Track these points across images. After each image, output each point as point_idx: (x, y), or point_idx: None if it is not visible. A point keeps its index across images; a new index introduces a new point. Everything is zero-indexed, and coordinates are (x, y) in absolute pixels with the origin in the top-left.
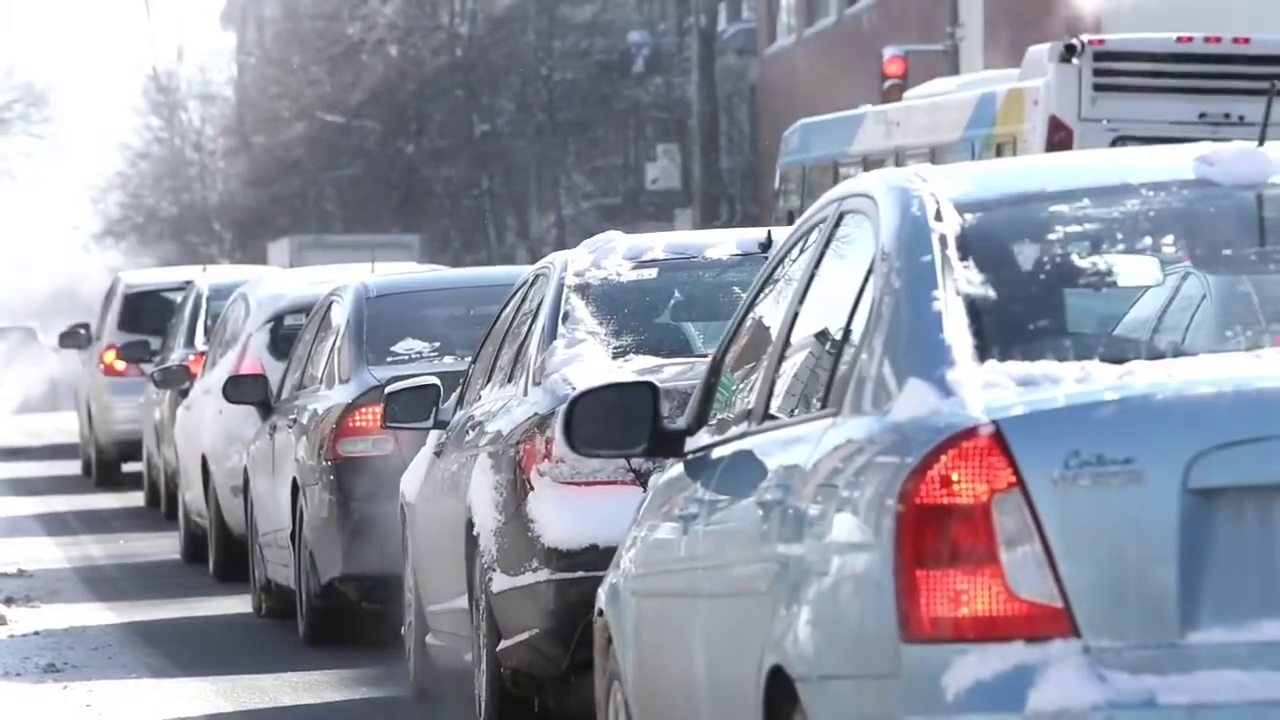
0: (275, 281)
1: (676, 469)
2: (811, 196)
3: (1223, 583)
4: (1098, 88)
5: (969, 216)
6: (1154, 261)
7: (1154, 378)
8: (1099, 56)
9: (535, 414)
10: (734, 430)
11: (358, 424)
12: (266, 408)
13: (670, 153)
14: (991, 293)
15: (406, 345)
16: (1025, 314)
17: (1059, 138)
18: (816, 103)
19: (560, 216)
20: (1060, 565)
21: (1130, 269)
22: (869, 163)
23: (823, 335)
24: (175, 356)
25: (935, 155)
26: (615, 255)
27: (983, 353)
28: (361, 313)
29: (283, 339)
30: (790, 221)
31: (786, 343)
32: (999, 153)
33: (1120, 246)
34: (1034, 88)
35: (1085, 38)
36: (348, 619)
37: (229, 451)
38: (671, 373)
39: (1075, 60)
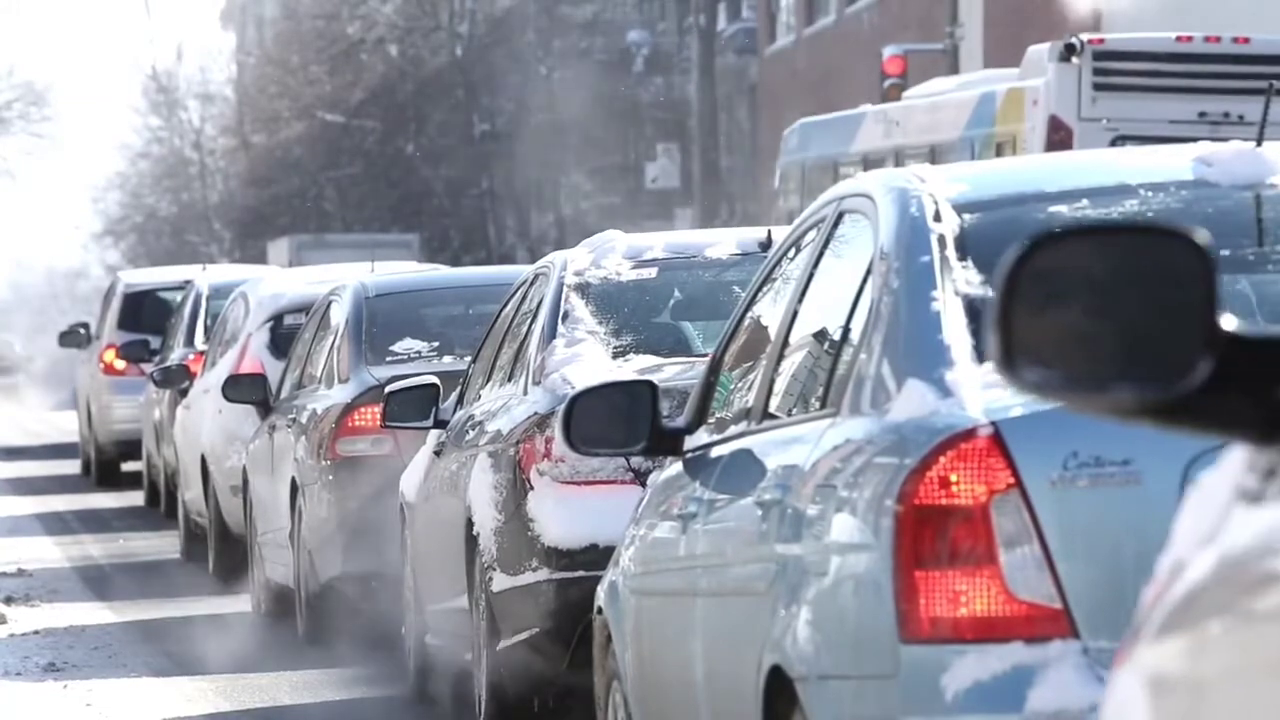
0: (275, 281)
1: (675, 468)
2: (811, 196)
3: None
4: (1097, 87)
5: (968, 217)
6: None
7: None
8: (1098, 56)
9: (535, 413)
10: (733, 429)
11: (357, 423)
12: (265, 407)
13: (670, 152)
14: (990, 293)
15: (405, 345)
16: None
17: (1059, 137)
18: (816, 102)
19: (560, 216)
20: (1059, 566)
21: None
22: (869, 162)
23: (821, 335)
24: (175, 356)
25: (935, 155)
26: (615, 255)
27: (981, 353)
28: (360, 312)
29: (282, 338)
30: (790, 221)
31: (785, 342)
32: (999, 152)
33: None
34: (1034, 87)
35: (1085, 37)
36: (347, 618)
37: (228, 451)
38: (671, 372)
39: (1075, 60)
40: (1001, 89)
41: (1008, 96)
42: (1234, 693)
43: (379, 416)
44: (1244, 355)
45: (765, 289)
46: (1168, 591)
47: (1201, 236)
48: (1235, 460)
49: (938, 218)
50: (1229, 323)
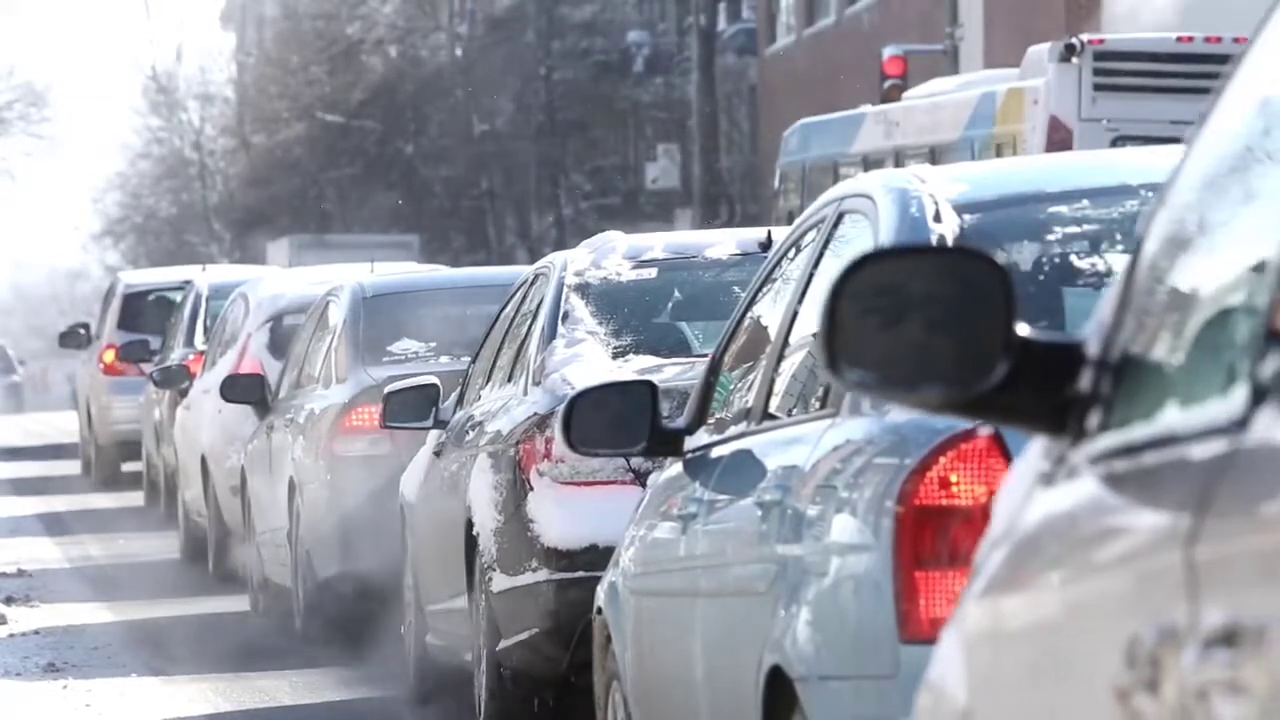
0: (274, 281)
1: (675, 468)
2: (811, 196)
3: None
4: (1098, 87)
5: (967, 217)
6: None
7: None
8: (1099, 56)
9: (535, 414)
10: (733, 430)
11: (354, 423)
12: (264, 407)
13: (670, 153)
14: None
15: (403, 345)
16: (1024, 315)
17: (1059, 137)
18: (816, 103)
19: (560, 216)
20: None
21: None
22: (869, 163)
23: None
24: (175, 356)
25: (935, 155)
26: (615, 255)
27: None
28: (358, 312)
29: (282, 339)
30: (790, 221)
31: (785, 342)
32: (999, 152)
33: (1119, 247)
34: (1034, 87)
35: (1085, 37)
36: (344, 617)
37: (228, 451)
38: (671, 372)
39: (1075, 60)
40: (1001, 89)
41: (1008, 97)
42: (1022, 647)
43: (376, 416)
44: (1036, 358)
45: (765, 289)
46: (985, 564)
47: (1000, 258)
48: (1036, 448)
49: (938, 218)
50: (1023, 330)
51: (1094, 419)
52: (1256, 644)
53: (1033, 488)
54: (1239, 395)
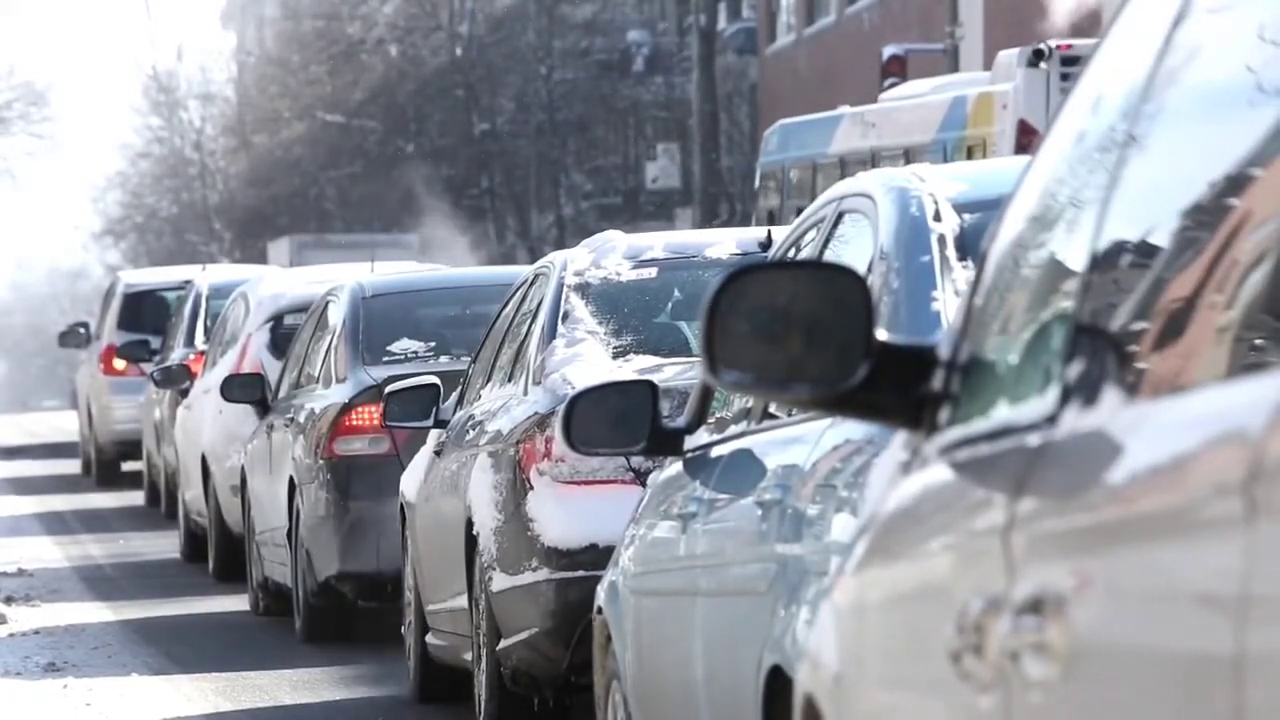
0: (275, 281)
1: (675, 468)
2: (790, 196)
3: None
4: (1066, 92)
5: (968, 217)
6: None
7: None
8: (1066, 61)
9: (535, 413)
10: (733, 429)
11: (354, 423)
12: (264, 407)
13: (670, 152)
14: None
15: (402, 345)
16: None
17: (1028, 141)
18: (816, 102)
19: (560, 216)
20: None
21: None
22: (846, 163)
23: None
24: (175, 356)
25: (909, 156)
26: (615, 255)
27: None
28: (358, 312)
29: (283, 338)
30: (770, 221)
31: None
32: (969, 155)
33: None
34: (1003, 91)
35: (1053, 43)
36: (344, 617)
37: (229, 451)
38: (671, 372)
39: (1043, 65)
40: (972, 93)
41: (978, 101)
42: (881, 617)
43: (376, 416)
44: (894, 360)
45: None
46: (855, 543)
47: (860, 271)
48: (898, 441)
49: (938, 217)
50: (882, 335)
51: (944, 414)
52: (1057, 612)
53: (895, 475)
54: (1053, 394)
